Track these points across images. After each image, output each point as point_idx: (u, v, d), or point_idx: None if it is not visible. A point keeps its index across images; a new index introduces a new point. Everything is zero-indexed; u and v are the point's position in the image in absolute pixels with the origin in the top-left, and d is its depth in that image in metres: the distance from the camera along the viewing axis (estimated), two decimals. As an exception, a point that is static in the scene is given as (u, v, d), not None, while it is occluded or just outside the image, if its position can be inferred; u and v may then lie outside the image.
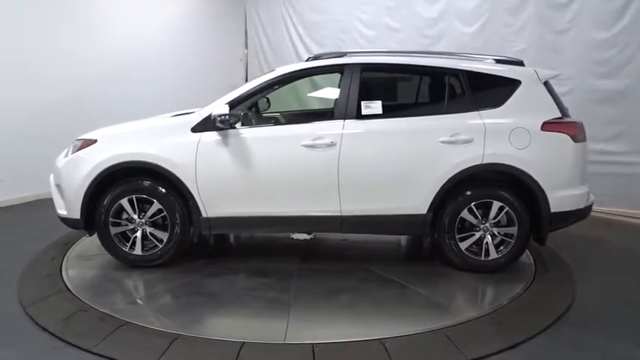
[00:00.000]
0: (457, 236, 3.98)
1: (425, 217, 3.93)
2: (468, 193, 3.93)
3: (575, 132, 3.93)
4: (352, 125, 3.96)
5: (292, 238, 4.87)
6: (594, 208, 4.23)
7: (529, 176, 3.84)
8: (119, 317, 3.22)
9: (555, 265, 4.30)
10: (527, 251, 4.48)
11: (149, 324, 3.13)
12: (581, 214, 4.03)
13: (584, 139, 4.02)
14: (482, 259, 3.99)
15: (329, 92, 5.16)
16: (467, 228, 4.01)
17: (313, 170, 3.92)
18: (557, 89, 4.20)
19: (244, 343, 2.90)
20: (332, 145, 3.89)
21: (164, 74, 8.02)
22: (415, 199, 3.92)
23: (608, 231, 5.40)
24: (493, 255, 3.97)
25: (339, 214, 3.97)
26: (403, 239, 4.92)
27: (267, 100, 4.85)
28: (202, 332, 3.06)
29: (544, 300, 3.60)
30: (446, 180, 3.87)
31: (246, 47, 9.47)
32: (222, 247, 4.83)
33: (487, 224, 3.96)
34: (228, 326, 3.27)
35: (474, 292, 3.81)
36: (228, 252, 4.77)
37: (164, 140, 3.96)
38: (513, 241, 3.95)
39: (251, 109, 4.40)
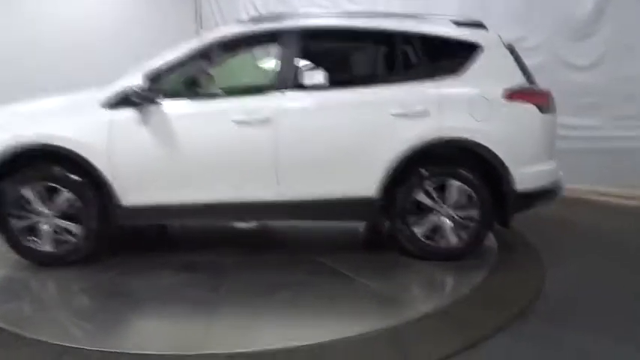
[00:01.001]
0: (412, 220, 3.54)
1: (375, 201, 3.48)
2: (423, 172, 3.48)
3: (543, 102, 3.50)
4: (291, 98, 3.46)
5: (235, 227, 4.39)
6: (567, 188, 3.84)
7: (490, 151, 3.40)
8: (7, 328, 2.70)
9: (522, 251, 3.90)
10: (492, 236, 4.08)
11: (38, 335, 2.61)
12: (550, 193, 3.62)
13: (552, 110, 3.59)
14: (441, 245, 3.56)
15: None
16: (423, 211, 3.58)
17: (247, 150, 3.42)
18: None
19: (149, 355, 2.42)
20: (268, 120, 3.39)
21: (111, 58, 7.36)
22: (364, 181, 3.46)
23: (581, 212, 5.03)
24: (452, 241, 3.54)
25: (278, 199, 3.49)
26: (362, 226, 4.47)
27: (211, 75, 4.30)
28: (104, 343, 2.55)
29: (509, 290, 3.20)
30: (398, 158, 3.41)
31: (201, 27, 8.87)
32: (148, 239, 4.31)
33: (445, 207, 3.53)
34: (138, 334, 2.78)
35: (431, 284, 3.38)
36: (155, 244, 4.23)
37: (71, 118, 3.40)
38: (474, 225, 3.52)
39: (184, 83, 3.84)
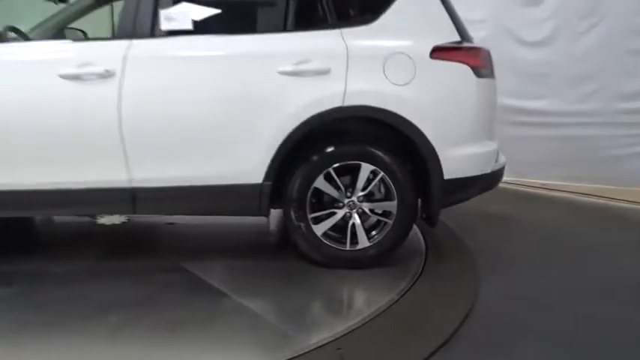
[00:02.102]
0: (310, 216, 2.68)
1: (260, 189, 2.60)
2: (324, 151, 2.63)
3: (479, 62, 2.70)
4: (143, 46, 2.54)
5: (98, 223, 3.43)
6: (515, 180, 3.06)
7: (412, 126, 2.58)
8: None
9: (455, 256, 3.11)
10: (419, 236, 3.28)
11: None
12: (488, 181, 2.83)
13: (491, 75, 2.80)
14: (348, 248, 2.71)
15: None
16: (325, 204, 2.73)
17: (81, 116, 2.48)
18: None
19: None
20: (108, 75, 2.46)
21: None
22: (244, 162, 2.57)
23: (529, 209, 4.28)
24: (363, 242, 2.70)
25: (127, 185, 2.56)
26: (267, 222, 3.57)
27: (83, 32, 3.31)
28: None
29: (434, 309, 2.39)
30: (289, 132, 2.54)
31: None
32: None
33: (353, 198, 2.69)
34: None
35: (329, 302, 2.51)
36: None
37: None
38: (392, 222, 2.70)
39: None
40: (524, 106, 4.89)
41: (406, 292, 2.53)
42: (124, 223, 3.45)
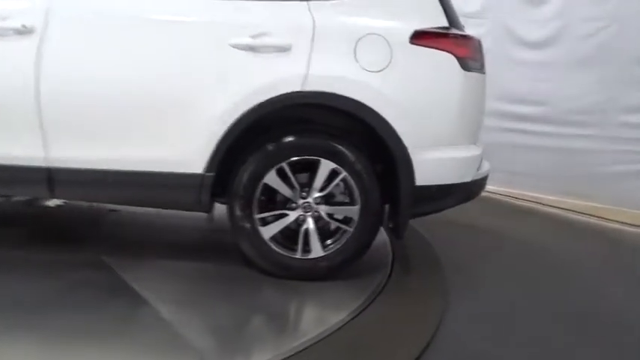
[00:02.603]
0: (257, 216, 2.30)
1: (201, 180, 2.22)
2: (279, 142, 2.26)
3: (467, 53, 2.32)
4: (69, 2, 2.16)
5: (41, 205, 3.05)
6: (505, 191, 2.71)
7: (381, 120, 2.20)
8: None
9: (424, 271, 2.76)
10: (388, 246, 2.91)
11: None
12: (467, 191, 2.46)
13: (481, 69, 2.43)
14: (299, 256, 2.34)
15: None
16: (275, 204, 2.36)
17: (-8, 78, 2.11)
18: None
19: None
20: (26, 31, 2.07)
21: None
22: (182, 148, 2.19)
23: (516, 222, 3.91)
24: (316, 251, 2.33)
25: (43, 164, 2.18)
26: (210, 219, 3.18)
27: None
28: None
29: (386, 336, 2.03)
30: (238, 116, 2.16)
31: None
32: None
33: (309, 199, 2.32)
34: None
35: (267, 320, 2.12)
36: None
37: None
38: (352, 230, 2.33)
39: None
40: (516, 110, 4.51)
41: (361, 312, 2.16)
42: (59, 206, 3.07)
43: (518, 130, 4.51)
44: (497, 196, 4.24)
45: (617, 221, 3.93)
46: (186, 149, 2.19)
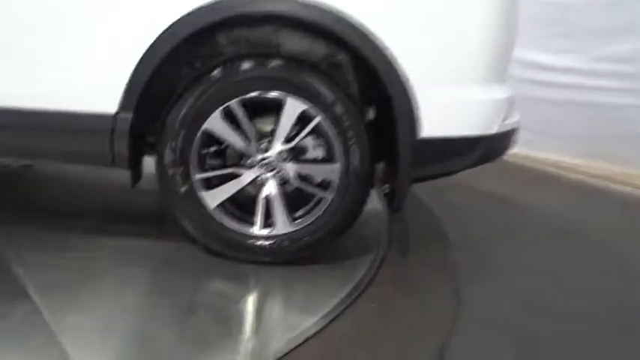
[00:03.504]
0: (197, 176, 1.65)
1: (115, 123, 1.55)
2: (226, 69, 1.58)
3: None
4: None
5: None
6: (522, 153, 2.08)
7: (368, 40, 1.52)
8: None
9: (428, 255, 2.09)
10: (386, 219, 2.28)
11: None
12: (491, 147, 1.78)
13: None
14: (258, 232, 1.70)
15: None
16: (222, 158, 1.71)
17: None
18: None
19: None
20: None
21: None
22: (80, 74, 1.52)
23: (541, 194, 3.23)
24: (282, 226, 1.68)
25: None
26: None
27: None
28: None
29: (372, 354, 1.41)
30: (164, 30, 1.48)
31: None
32: None
33: (270, 153, 1.66)
34: None
35: (195, 338, 1.46)
36: None
37: None
38: (331, 197, 1.68)
39: None
40: (538, 59, 3.81)
41: (339, 314, 1.54)
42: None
43: (536, 81, 3.83)
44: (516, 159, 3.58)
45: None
46: (88, 77, 1.51)
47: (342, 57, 1.66)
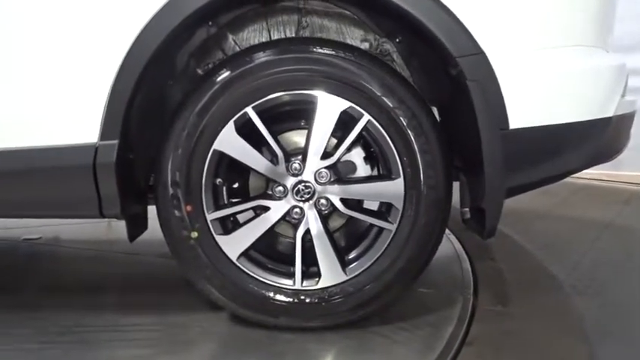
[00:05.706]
0: (211, 216, 1.21)
1: (94, 154, 1.16)
2: (236, 63, 1.18)
3: None
4: None
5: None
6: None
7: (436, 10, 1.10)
8: None
9: (534, 297, 1.55)
10: (465, 259, 1.77)
11: None
12: (607, 138, 1.29)
13: None
14: (296, 286, 1.23)
15: None
16: (244, 191, 1.28)
17: None
18: None
19: None
20: None
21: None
22: (54, 100, 1.16)
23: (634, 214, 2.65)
24: (330, 274, 1.21)
25: None
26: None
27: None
28: None
29: None
30: (146, 24, 1.11)
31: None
32: None
33: (305, 174, 1.21)
34: None
35: None
36: None
37: None
38: (394, 228, 1.20)
39: None
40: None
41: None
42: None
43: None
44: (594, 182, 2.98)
45: None
46: (60, 101, 1.15)
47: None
